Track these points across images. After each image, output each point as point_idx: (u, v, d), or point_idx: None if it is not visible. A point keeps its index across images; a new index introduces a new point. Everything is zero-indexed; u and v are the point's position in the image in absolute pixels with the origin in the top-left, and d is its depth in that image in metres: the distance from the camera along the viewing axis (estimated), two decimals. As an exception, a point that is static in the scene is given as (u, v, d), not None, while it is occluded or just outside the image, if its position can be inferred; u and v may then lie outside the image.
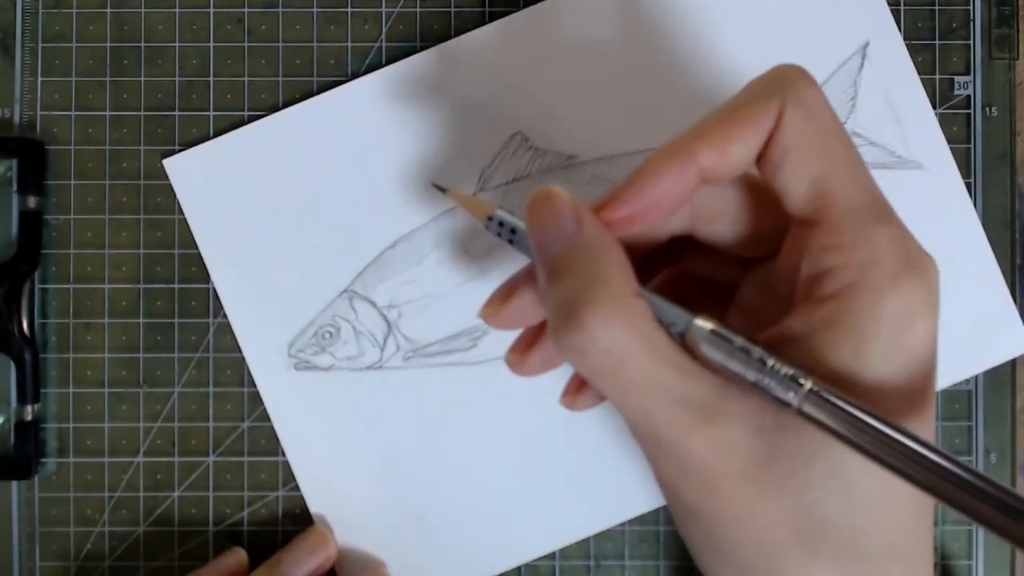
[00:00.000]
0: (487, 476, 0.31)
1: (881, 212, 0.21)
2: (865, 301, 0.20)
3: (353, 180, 0.31)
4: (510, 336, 0.29)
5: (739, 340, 0.20)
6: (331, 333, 0.31)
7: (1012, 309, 0.31)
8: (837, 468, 0.20)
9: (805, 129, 0.21)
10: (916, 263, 0.20)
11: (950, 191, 0.31)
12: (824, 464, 0.20)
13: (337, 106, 0.31)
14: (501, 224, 0.24)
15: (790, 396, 0.19)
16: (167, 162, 0.31)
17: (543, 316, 0.24)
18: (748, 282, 0.24)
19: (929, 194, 0.31)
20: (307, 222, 0.31)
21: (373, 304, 0.31)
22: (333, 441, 0.31)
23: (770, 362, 0.20)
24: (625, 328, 0.20)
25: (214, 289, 0.31)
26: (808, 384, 0.19)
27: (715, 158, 0.21)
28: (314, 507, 0.31)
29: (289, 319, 0.31)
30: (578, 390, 0.25)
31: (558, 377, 0.27)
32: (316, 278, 0.31)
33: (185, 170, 0.31)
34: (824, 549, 0.20)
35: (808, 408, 0.19)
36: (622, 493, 0.31)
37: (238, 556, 0.30)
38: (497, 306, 0.24)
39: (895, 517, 0.21)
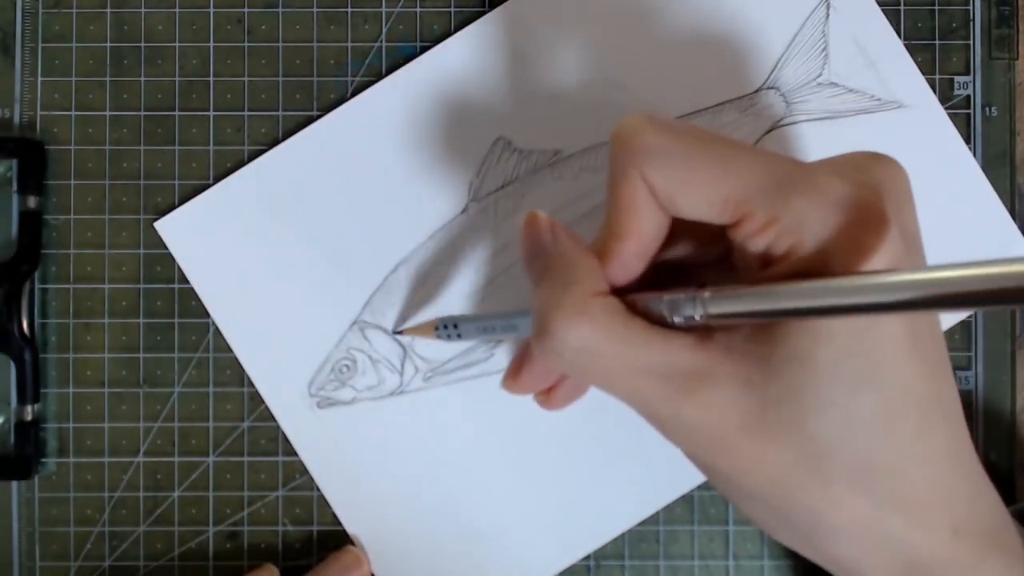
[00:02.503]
0: (522, 483, 0.31)
1: (784, 178, 0.21)
2: (808, 251, 0.21)
3: (344, 211, 0.31)
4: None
5: (642, 298, 0.22)
6: (348, 366, 0.31)
7: (1014, 230, 0.31)
8: (828, 399, 0.21)
9: (668, 170, 0.22)
10: (841, 200, 0.21)
11: (934, 124, 0.31)
12: (814, 399, 0.21)
13: (315, 143, 0.31)
14: (446, 327, 0.28)
15: (698, 312, 0.21)
16: (159, 224, 0.31)
17: (553, 377, 0.26)
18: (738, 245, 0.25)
19: (915, 131, 0.31)
20: (306, 260, 0.31)
21: (385, 331, 0.31)
22: (366, 471, 0.31)
23: (666, 297, 0.22)
24: (591, 325, 0.21)
25: (214, 289, 0.31)
26: (699, 295, 0.21)
27: (621, 269, 0.23)
28: (350, 528, 0.31)
29: (304, 360, 0.31)
30: (549, 391, 0.27)
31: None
32: (324, 315, 0.31)
33: (178, 229, 0.31)
34: (838, 472, 0.21)
35: (713, 309, 0.21)
36: (659, 478, 0.31)
37: (270, 572, 0.31)
38: (513, 378, 0.26)
39: (896, 427, 0.21)
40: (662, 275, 0.24)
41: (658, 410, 0.22)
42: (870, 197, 0.20)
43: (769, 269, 0.21)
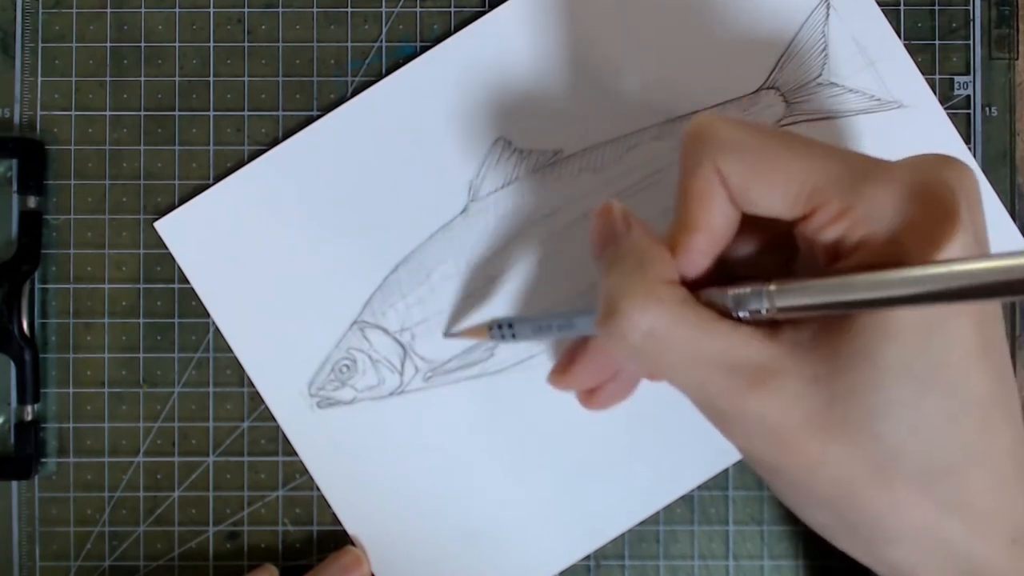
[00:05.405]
0: (522, 483, 0.31)
1: (859, 168, 0.21)
2: (880, 243, 0.21)
3: (344, 211, 0.31)
4: (527, 342, 0.30)
5: (706, 293, 0.22)
6: (348, 366, 0.31)
7: (1014, 230, 0.31)
8: (894, 397, 0.20)
9: (743, 162, 0.22)
10: (917, 193, 0.21)
11: (934, 124, 0.31)
12: (882, 396, 0.20)
13: (315, 143, 0.31)
14: (500, 327, 0.28)
15: (765, 306, 0.21)
16: (159, 224, 0.31)
17: (603, 376, 0.26)
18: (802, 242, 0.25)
19: (915, 131, 0.31)
20: (306, 260, 0.31)
21: (385, 331, 0.31)
22: (366, 471, 0.31)
23: (732, 291, 0.22)
24: (662, 310, 0.21)
25: (214, 289, 0.31)
26: (767, 287, 0.21)
27: (690, 264, 0.23)
28: (350, 528, 0.31)
29: (304, 360, 0.31)
30: (594, 390, 0.27)
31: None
32: (324, 315, 0.31)
33: (178, 229, 0.31)
34: (901, 474, 0.21)
35: (781, 302, 0.21)
36: (659, 478, 0.31)
37: (270, 572, 0.31)
38: (562, 373, 0.27)
39: (961, 430, 0.21)
40: (722, 282, 0.24)
41: (720, 403, 0.22)
42: (944, 191, 0.21)
43: (839, 263, 0.21)
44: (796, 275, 0.24)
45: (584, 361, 0.26)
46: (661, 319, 0.21)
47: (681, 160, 0.23)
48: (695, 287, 0.23)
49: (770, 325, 0.22)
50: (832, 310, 0.21)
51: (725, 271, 0.24)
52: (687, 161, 0.23)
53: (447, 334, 0.31)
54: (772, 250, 0.25)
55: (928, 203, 0.20)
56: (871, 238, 0.21)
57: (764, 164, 0.22)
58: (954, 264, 0.19)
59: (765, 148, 0.22)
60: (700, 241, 0.22)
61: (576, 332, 0.26)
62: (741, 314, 0.22)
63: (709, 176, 0.22)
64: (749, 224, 0.23)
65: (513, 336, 0.28)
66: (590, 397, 0.27)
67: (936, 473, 0.21)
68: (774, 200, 0.22)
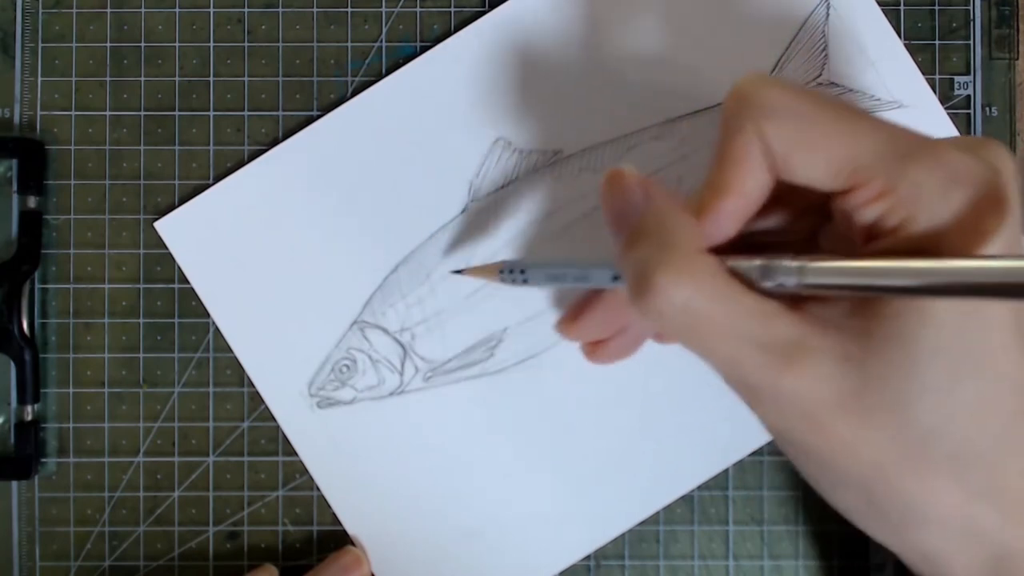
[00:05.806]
0: (522, 483, 0.31)
1: (907, 147, 0.21)
2: (921, 226, 0.20)
3: (344, 211, 0.31)
4: (526, 342, 0.30)
5: (730, 261, 0.21)
6: (348, 366, 0.31)
7: None
8: (929, 382, 0.20)
9: (788, 129, 0.21)
10: (964, 176, 0.20)
11: (934, 124, 0.31)
12: (917, 380, 0.20)
13: (315, 143, 0.31)
14: (511, 271, 0.27)
15: (793, 280, 0.21)
16: (159, 224, 0.31)
17: (611, 330, 0.26)
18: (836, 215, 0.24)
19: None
20: (306, 260, 0.31)
21: (385, 330, 0.31)
22: (366, 471, 0.31)
23: (760, 262, 0.21)
24: (696, 284, 0.20)
25: (214, 289, 0.31)
26: (799, 263, 0.21)
27: (717, 229, 0.22)
28: (350, 528, 0.31)
29: (304, 360, 0.31)
30: (599, 343, 0.26)
31: (579, 378, 0.28)
32: (325, 314, 0.31)
33: (178, 229, 0.31)
34: (934, 460, 0.21)
35: (813, 279, 0.20)
36: (659, 478, 0.31)
37: (270, 572, 0.31)
38: (571, 321, 0.26)
39: (996, 416, 0.21)
40: (742, 250, 0.23)
41: (754, 380, 0.21)
42: (993, 177, 0.20)
43: (874, 243, 0.21)
44: (822, 246, 0.24)
45: (593, 313, 0.26)
46: (697, 294, 0.20)
47: (722, 120, 0.22)
48: (717, 254, 0.22)
49: (792, 299, 0.21)
50: (868, 293, 0.20)
51: (746, 240, 0.23)
52: (728, 123, 0.22)
53: (454, 271, 0.30)
54: (798, 220, 0.24)
55: (977, 187, 0.20)
56: (911, 221, 0.20)
57: (811, 133, 0.21)
58: (1001, 260, 0.19)
59: (814, 116, 0.21)
60: (730, 205, 0.22)
61: (591, 284, 0.26)
62: (767, 284, 0.21)
63: (749, 140, 0.21)
64: (779, 192, 0.23)
65: (525, 281, 0.27)
66: (595, 350, 0.26)
67: (970, 458, 0.21)
68: (816, 171, 0.21)
